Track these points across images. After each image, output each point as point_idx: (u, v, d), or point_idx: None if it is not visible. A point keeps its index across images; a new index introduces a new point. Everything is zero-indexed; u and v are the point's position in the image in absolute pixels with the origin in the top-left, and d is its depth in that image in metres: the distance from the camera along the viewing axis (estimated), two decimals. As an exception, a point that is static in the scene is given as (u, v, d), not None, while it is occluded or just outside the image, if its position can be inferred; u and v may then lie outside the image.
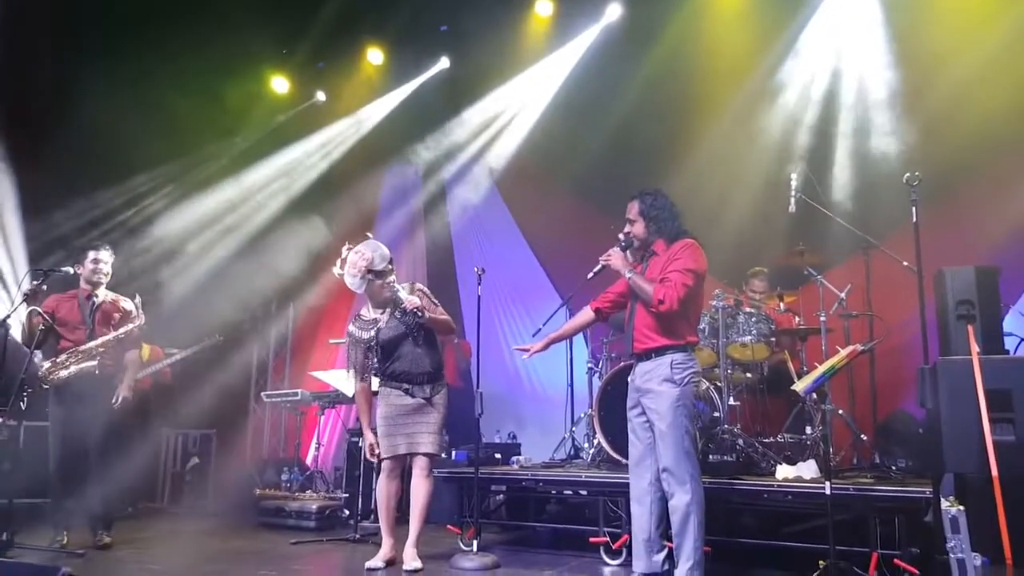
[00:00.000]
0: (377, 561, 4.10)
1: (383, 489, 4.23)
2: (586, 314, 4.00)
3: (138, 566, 4.23)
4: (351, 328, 4.31)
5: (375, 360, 4.25)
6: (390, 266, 4.20)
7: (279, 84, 8.12)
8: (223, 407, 7.38)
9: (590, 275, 3.69)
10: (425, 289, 4.36)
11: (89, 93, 6.62)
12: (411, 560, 4.02)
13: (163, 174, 7.64)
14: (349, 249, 4.21)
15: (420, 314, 4.12)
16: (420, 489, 4.15)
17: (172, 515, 6.57)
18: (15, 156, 6.70)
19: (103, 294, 4.90)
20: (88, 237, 6.25)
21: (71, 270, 4.84)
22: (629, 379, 3.71)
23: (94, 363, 4.69)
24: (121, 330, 4.81)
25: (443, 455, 6.23)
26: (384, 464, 4.21)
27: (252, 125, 8.15)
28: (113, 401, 4.73)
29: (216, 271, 7.38)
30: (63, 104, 6.79)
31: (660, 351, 3.52)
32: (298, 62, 7.92)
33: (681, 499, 3.38)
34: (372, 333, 4.21)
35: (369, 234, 4.43)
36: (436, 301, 4.38)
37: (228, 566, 4.26)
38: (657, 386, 3.48)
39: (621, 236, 3.71)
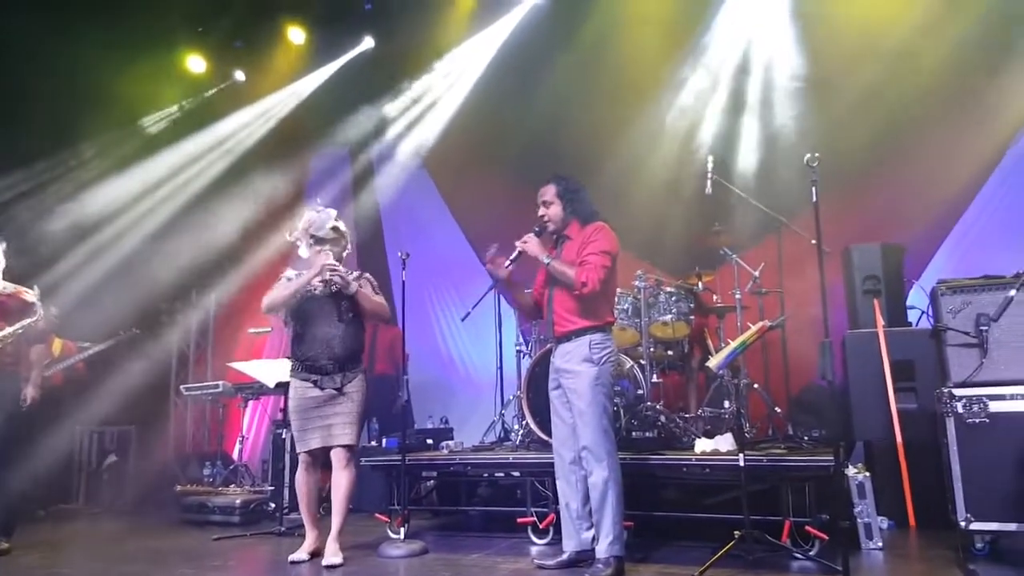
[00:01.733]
0: (301, 553, 4.03)
1: (302, 483, 4.13)
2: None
3: (46, 571, 4.04)
4: (288, 271, 4.24)
5: (289, 316, 4.15)
6: (334, 234, 4.12)
7: (195, 63, 7.78)
8: (142, 402, 7.12)
9: (507, 263, 3.68)
10: (371, 279, 4.28)
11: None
12: (331, 555, 3.90)
13: (69, 158, 7.24)
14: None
15: (340, 283, 4.00)
16: (340, 481, 4.02)
17: (89, 516, 6.32)
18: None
19: (0, 286, 4.63)
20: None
21: None
22: (551, 359, 3.74)
23: None
24: (17, 325, 4.53)
25: (373, 443, 6.22)
26: (300, 457, 4.11)
27: (165, 106, 7.80)
28: (21, 401, 4.53)
29: (130, 259, 7.07)
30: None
31: (579, 332, 3.58)
32: (215, 41, 7.62)
33: (599, 476, 3.44)
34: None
35: (319, 200, 4.37)
36: (379, 292, 4.30)
37: (145, 567, 4.10)
38: (576, 366, 3.54)
39: (537, 227, 3.73)
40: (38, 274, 5.66)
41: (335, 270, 4.00)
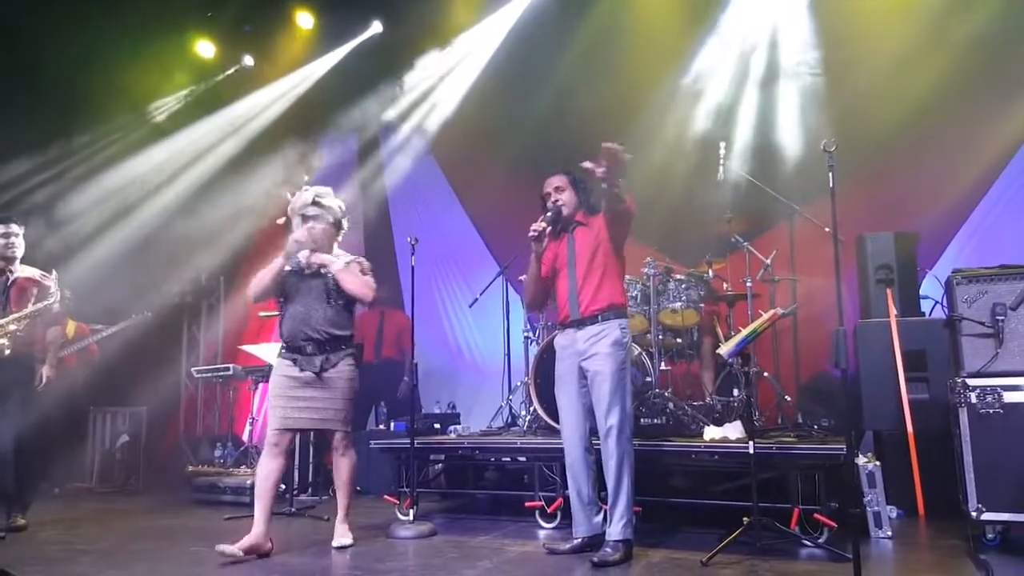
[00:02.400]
0: (233, 546, 3.57)
1: (263, 466, 3.81)
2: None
3: (63, 547, 4.10)
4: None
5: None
6: (317, 210, 3.90)
7: (204, 48, 7.78)
8: (154, 384, 7.19)
9: (545, 224, 3.64)
10: (363, 263, 4.06)
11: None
12: (340, 536, 3.89)
13: (80, 144, 7.27)
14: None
15: (313, 263, 3.83)
16: (341, 467, 3.96)
17: (102, 495, 6.40)
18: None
19: (19, 269, 4.70)
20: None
21: None
22: (562, 344, 3.73)
23: (4, 341, 4.49)
24: (34, 307, 4.59)
25: (381, 426, 6.26)
26: (269, 435, 3.83)
27: (175, 91, 7.81)
28: (36, 383, 4.61)
29: (140, 244, 7.11)
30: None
31: (607, 314, 3.59)
32: (224, 26, 7.62)
33: (617, 459, 3.46)
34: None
35: (306, 177, 4.31)
36: (370, 276, 4.04)
37: (158, 543, 4.16)
38: (605, 349, 3.54)
39: (552, 211, 3.72)
40: (53, 257, 5.73)
41: (300, 243, 3.80)
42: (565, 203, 3.76)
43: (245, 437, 6.77)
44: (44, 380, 4.64)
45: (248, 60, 7.88)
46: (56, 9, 6.45)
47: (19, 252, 4.71)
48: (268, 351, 5.27)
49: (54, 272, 4.80)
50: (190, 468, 6.08)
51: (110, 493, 6.45)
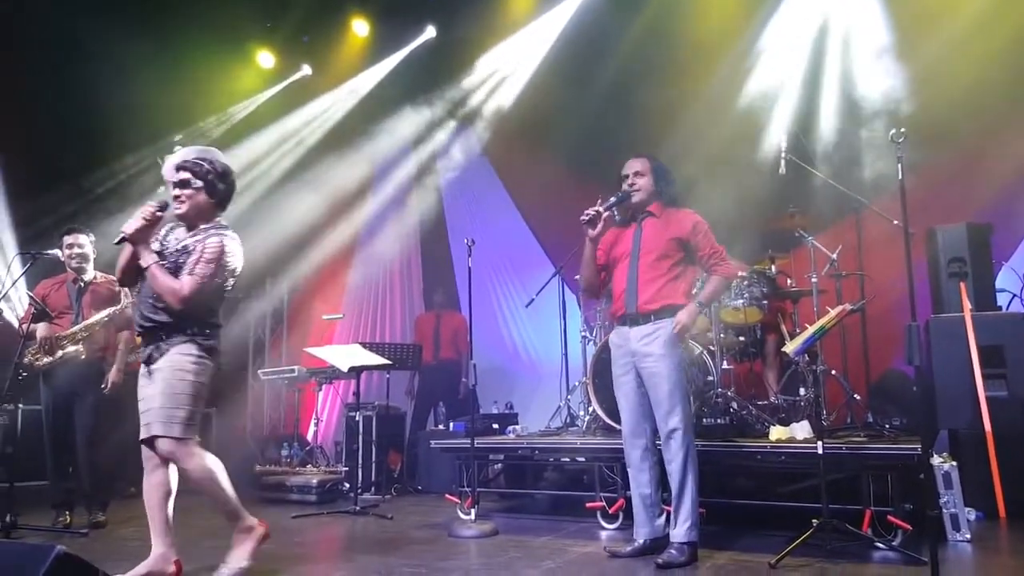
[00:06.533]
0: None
1: (144, 483, 3.30)
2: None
3: (140, 544, 4.23)
4: None
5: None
6: (181, 175, 3.12)
7: (265, 59, 8.03)
8: (221, 385, 7.36)
9: (600, 209, 3.54)
10: (207, 247, 3.11)
11: (72, 72, 6.56)
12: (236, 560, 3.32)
13: (152, 153, 7.56)
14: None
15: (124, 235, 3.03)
16: (191, 478, 3.28)
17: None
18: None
19: (91, 275, 4.85)
20: (75, 219, 6.18)
21: (59, 253, 4.77)
22: (616, 343, 3.66)
23: (79, 347, 4.65)
24: (103, 312, 4.73)
25: (440, 426, 6.29)
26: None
27: (239, 101, 8.07)
28: (103, 386, 4.73)
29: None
30: (46, 84, 6.71)
31: (660, 315, 3.50)
32: (283, 36, 7.85)
33: (679, 462, 3.41)
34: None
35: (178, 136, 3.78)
36: (215, 261, 3.11)
37: (229, 541, 4.26)
38: (659, 349, 3.46)
39: (621, 192, 3.62)
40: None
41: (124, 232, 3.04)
42: (640, 188, 3.63)
43: (310, 437, 6.92)
44: (110, 384, 4.75)
45: (307, 69, 8.09)
46: (127, 25, 6.73)
47: (89, 261, 4.83)
48: (332, 353, 5.39)
49: None
50: (258, 468, 6.24)
51: (181, 492, 6.64)
